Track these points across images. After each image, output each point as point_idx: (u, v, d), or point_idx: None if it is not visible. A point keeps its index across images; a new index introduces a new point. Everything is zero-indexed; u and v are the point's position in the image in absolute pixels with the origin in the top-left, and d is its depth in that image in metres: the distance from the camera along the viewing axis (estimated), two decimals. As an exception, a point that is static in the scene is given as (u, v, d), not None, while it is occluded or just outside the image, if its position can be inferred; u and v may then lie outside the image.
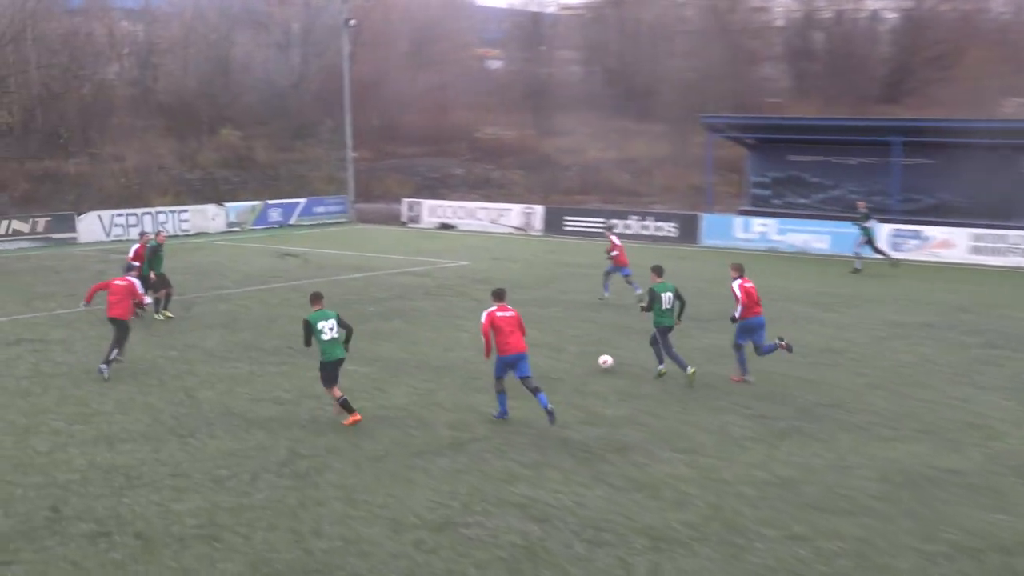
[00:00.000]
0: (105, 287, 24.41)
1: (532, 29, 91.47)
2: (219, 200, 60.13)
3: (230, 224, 57.36)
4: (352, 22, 64.97)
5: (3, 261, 44.68)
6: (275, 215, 59.21)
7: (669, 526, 15.19)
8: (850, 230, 44.20)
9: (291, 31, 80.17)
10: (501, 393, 20.20)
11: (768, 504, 16.04)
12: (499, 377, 19.99)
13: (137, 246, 32.39)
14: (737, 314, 22.93)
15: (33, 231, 50.19)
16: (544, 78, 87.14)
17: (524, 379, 19.76)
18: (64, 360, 25.16)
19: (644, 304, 23.53)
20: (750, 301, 22.96)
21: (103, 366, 23.34)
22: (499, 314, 19.87)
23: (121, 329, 23.79)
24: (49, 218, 51.17)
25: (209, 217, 56.80)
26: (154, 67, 74.38)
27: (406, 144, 76.91)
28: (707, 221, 51.30)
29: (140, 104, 71.07)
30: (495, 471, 17.34)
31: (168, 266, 36.95)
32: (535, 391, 19.73)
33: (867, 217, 41.98)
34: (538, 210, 56.67)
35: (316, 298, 20.25)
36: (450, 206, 60.18)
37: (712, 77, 76.08)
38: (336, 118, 69.36)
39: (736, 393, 22.27)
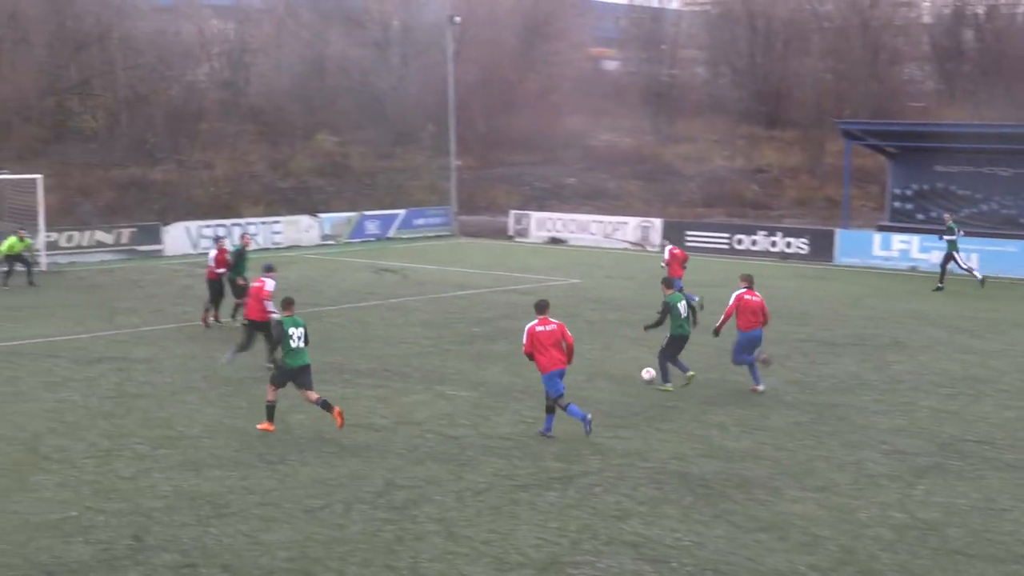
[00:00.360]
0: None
1: (652, 26, 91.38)
2: (313, 211, 60.97)
3: (324, 237, 58.12)
4: (456, 19, 65.52)
5: (86, 274, 45.78)
6: (372, 227, 59.87)
7: (796, 570, 15.12)
8: (1002, 248, 43.50)
9: (390, 29, 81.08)
10: (553, 413, 21.07)
11: (907, 548, 15.89)
12: (558, 394, 20.76)
13: (215, 252, 33.44)
14: (718, 324, 25.06)
15: (117, 242, 51.29)
16: (665, 80, 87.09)
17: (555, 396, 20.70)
18: (148, 380, 25.72)
19: (652, 323, 25.12)
20: (749, 314, 24.63)
21: (266, 365, 25.99)
22: (539, 328, 20.78)
23: (262, 330, 26.35)
24: (134, 229, 52.29)
25: (302, 229, 57.62)
26: (245, 68, 75.69)
27: (514, 151, 77.27)
28: (842, 237, 50.82)
29: (230, 108, 72.34)
30: (606, 507, 17.39)
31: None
32: (564, 406, 20.75)
33: (952, 231, 41.57)
34: (656, 224, 56.60)
35: (288, 303, 21.86)
36: (560, 219, 60.33)
37: (850, 79, 75.45)
38: (439, 123, 69.99)
39: (872, 427, 22.09)
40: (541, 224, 60.43)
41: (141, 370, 26.87)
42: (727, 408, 23.41)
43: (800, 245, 51.70)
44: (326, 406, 21.22)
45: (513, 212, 62.56)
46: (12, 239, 42.62)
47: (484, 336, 31.45)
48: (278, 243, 56.18)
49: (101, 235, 50.95)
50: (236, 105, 73.15)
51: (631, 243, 56.61)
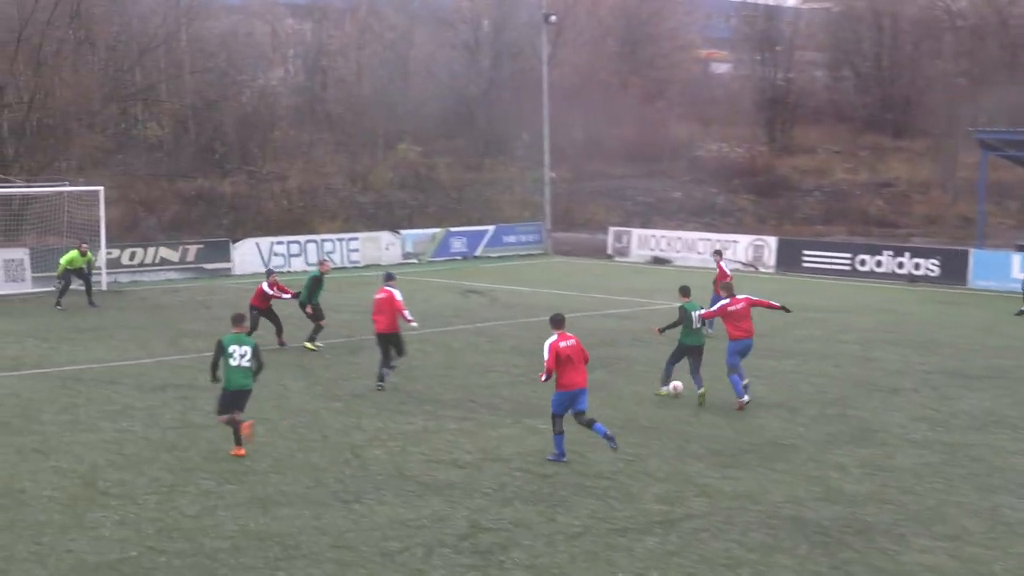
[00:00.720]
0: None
1: (766, 26, 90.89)
2: (394, 227, 61.34)
3: (406, 255, 58.44)
4: (552, 18, 65.69)
5: (149, 293, 46.39)
6: (458, 245, 60.11)
7: (924, 628, 14.91)
8: None
9: (481, 29, 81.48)
10: (560, 434, 21.80)
11: (1048, 605, 15.62)
12: (560, 415, 21.70)
13: (266, 285, 34.15)
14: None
15: (183, 260, 51.94)
16: (781, 84, 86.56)
17: (579, 414, 21.59)
18: (215, 410, 25.94)
19: (666, 324, 27.63)
20: (737, 321, 26.69)
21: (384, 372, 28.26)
22: (563, 344, 21.68)
23: (393, 343, 28.40)
24: (201, 245, 52.90)
25: (382, 246, 57.97)
26: (323, 72, 76.40)
27: (614, 162, 77.25)
28: (977, 258, 50.20)
29: (306, 115, 73.05)
30: (713, 554, 17.26)
31: (334, 302, 37.73)
32: (590, 424, 21.62)
33: None
34: (771, 242, 56.26)
35: (237, 320, 22.85)
36: (664, 236, 60.18)
37: (987, 82, 74.49)
38: (532, 131, 70.12)
39: (1010, 469, 21.74)
40: (643, 242, 60.31)
41: (207, 399, 27.07)
42: (847, 447, 23.17)
43: (930, 267, 51.13)
44: (232, 423, 22.14)
45: (612, 229, 62.50)
46: (74, 252, 43.30)
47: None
48: (356, 262, 56.55)
49: (165, 252, 51.60)
50: (312, 112, 73.86)
51: (742, 263, 56.27)
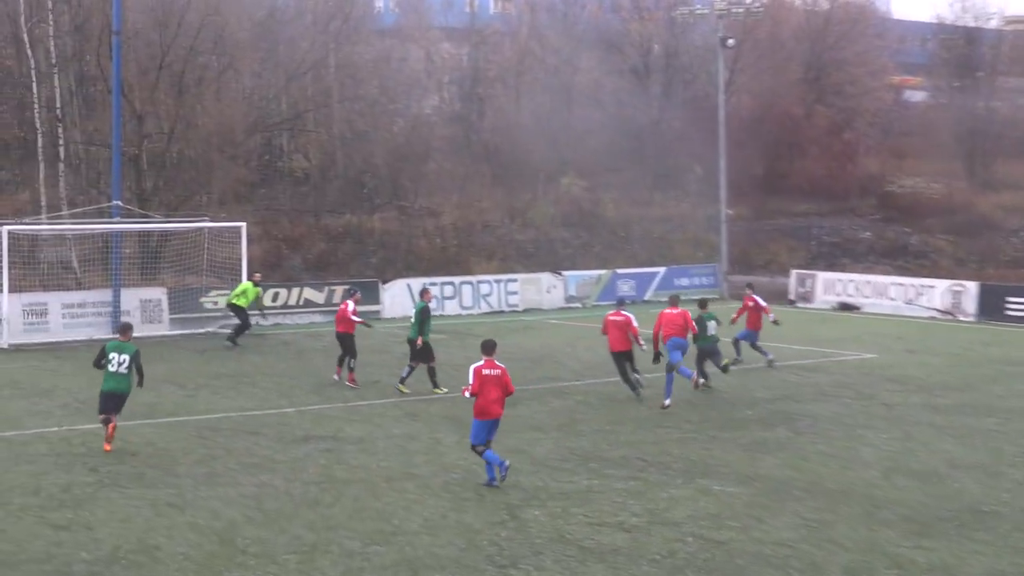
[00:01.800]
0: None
1: (967, 50, 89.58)
2: (556, 267, 61.40)
3: (569, 298, 58.47)
4: (730, 42, 65.50)
5: (292, 338, 46.94)
6: (626, 288, 59.95)
7: None
8: None
9: (651, 54, 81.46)
10: (487, 458, 24.26)
11: None
12: (479, 445, 24.22)
13: (343, 306, 36.29)
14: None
15: (329, 302, 52.46)
16: (982, 114, 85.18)
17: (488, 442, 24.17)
18: (361, 463, 26.10)
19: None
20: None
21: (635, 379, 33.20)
22: (486, 371, 24.10)
23: (628, 359, 33.26)
24: (348, 286, 53.35)
25: (543, 289, 58.07)
26: (480, 100, 76.87)
27: (797, 199, 76.65)
28: None
29: (462, 146, 73.54)
30: (907, 633, 16.93)
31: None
32: (482, 452, 24.21)
33: None
34: (971, 288, 55.32)
35: (125, 329, 27.56)
36: (852, 280, 59.50)
37: None
38: (707, 164, 69.91)
39: None
40: (829, 286, 59.68)
41: (352, 452, 27.31)
42: (1059, 516, 22.60)
43: None
44: (107, 423, 26.84)
45: (795, 272, 61.96)
46: (247, 284, 44.31)
47: (758, 420, 31.10)
48: (514, 305, 56.70)
49: (310, 293, 52.21)
50: (468, 143, 74.34)
51: (939, 311, 55.40)
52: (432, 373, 34.68)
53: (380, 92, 71.45)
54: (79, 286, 49.56)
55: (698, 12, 68.56)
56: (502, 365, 24.51)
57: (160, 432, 29.17)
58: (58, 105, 55.86)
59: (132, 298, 47.81)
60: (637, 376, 33.97)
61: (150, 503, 22.64)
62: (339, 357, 36.78)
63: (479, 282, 56.60)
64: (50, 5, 55.42)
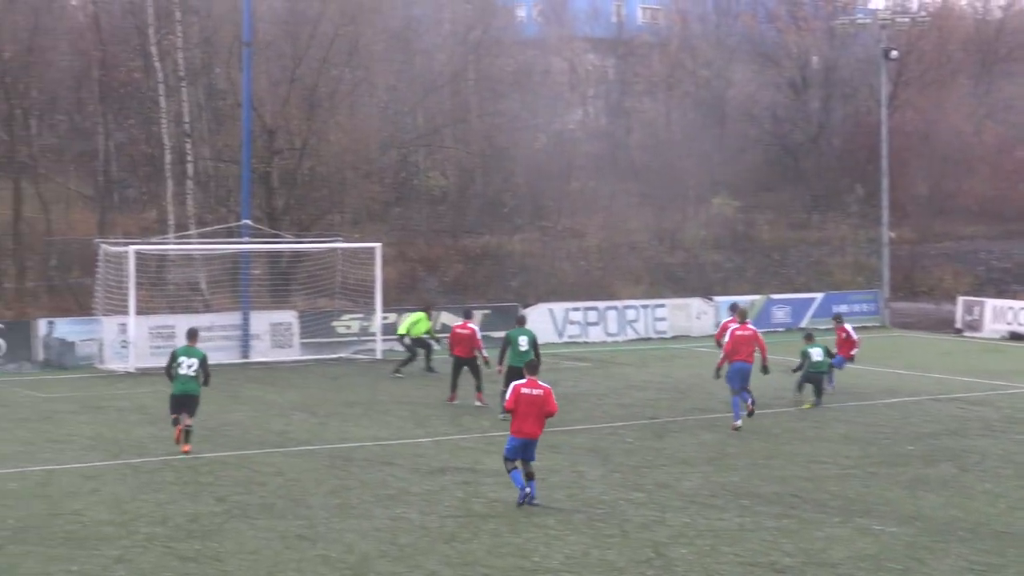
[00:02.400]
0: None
1: None
2: (707, 292, 61.23)
3: (719, 325, 58.23)
4: (894, 54, 64.91)
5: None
6: (780, 314, 59.68)
7: None
8: None
9: (809, 67, 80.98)
10: (513, 471, 25.36)
11: None
12: (510, 460, 25.34)
13: (468, 329, 37.30)
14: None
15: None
16: None
17: (524, 462, 25.20)
18: (500, 497, 26.23)
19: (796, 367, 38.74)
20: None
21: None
22: (525, 390, 25.22)
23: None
24: (487, 310, 53.67)
25: (693, 315, 57.94)
26: (627, 114, 76.90)
27: (965, 221, 75.80)
28: None
29: (607, 163, 73.52)
30: None
31: (636, 379, 38.08)
32: (528, 476, 25.20)
33: None
34: None
35: (192, 335, 30.85)
36: (1025, 308, 58.74)
37: None
38: (868, 184, 69.36)
39: None
40: (999, 314, 58.93)
41: (491, 484, 27.46)
42: None
43: None
44: (176, 424, 29.91)
45: (962, 299, 61.24)
46: (420, 315, 45.02)
47: (921, 456, 30.84)
48: (661, 332, 56.65)
49: (448, 318, 52.45)
50: (614, 159, 74.32)
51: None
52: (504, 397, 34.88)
53: (521, 106, 71.70)
54: (207, 308, 50.36)
55: (860, 22, 68.11)
56: (546, 386, 25.54)
57: (290, 461, 29.57)
58: (186, 120, 56.70)
59: (262, 321, 48.53)
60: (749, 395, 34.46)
61: (279, 535, 22.96)
62: (476, 384, 37.32)
63: (625, 307, 56.60)
64: (179, 17, 56.32)
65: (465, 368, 37.87)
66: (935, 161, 76.84)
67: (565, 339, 53.29)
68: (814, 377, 38.50)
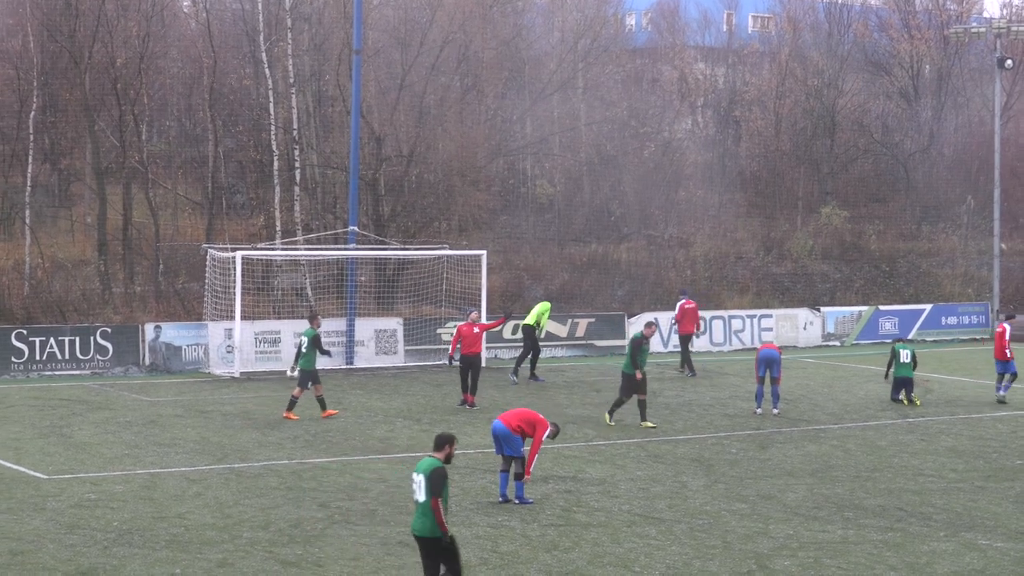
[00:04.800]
0: None
1: None
2: (814, 303, 60.96)
3: (827, 336, 57.99)
4: (1008, 63, 64.17)
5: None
6: (888, 326, 59.26)
7: None
8: None
9: (921, 76, 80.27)
10: (503, 472, 26.47)
11: None
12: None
13: (463, 324, 39.03)
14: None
15: (571, 335, 52.91)
16: None
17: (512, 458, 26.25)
18: (601, 506, 26.26)
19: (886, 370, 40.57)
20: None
21: None
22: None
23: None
24: (592, 319, 53.73)
25: (799, 325, 57.71)
26: (736, 123, 76.62)
27: (1079, 232, 74.81)
28: None
29: (716, 172, 73.35)
30: None
31: (741, 389, 38.25)
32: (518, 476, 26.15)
33: None
34: None
35: (312, 317, 37.71)
36: None
37: None
38: (979, 195, 68.69)
39: None
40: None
41: (593, 494, 27.49)
42: None
43: None
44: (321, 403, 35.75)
45: (1078, 312, 60.45)
46: (547, 305, 46.22)
47: (1031, 472, 30.55)
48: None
49: (553, 326, 52.51)
50: (723, 169, 74.12)
51: None
52: (643, 406, 35.62)
53: (630, 114, 71.64)
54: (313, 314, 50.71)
55: (974, 31, 67.36)
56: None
57: (393, 468, 29.71)
58: (295, 126, 57.07)
59: (367, 328, 48.80)
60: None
61: (381, 541, 23.09)
62: (473, 383, 39.04)
63: (731, 317, 56.41)
64: (289, 24, 56.72)
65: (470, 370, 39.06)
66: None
67: (670, 348, 53.07)
68: (899, 381, 40.21)
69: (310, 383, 36.41)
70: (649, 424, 35.46)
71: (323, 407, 36.45)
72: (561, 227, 67.06)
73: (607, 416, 36.03)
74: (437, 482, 18.48)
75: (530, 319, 45.60)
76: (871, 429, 36.02)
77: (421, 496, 18.58)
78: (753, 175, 74.73)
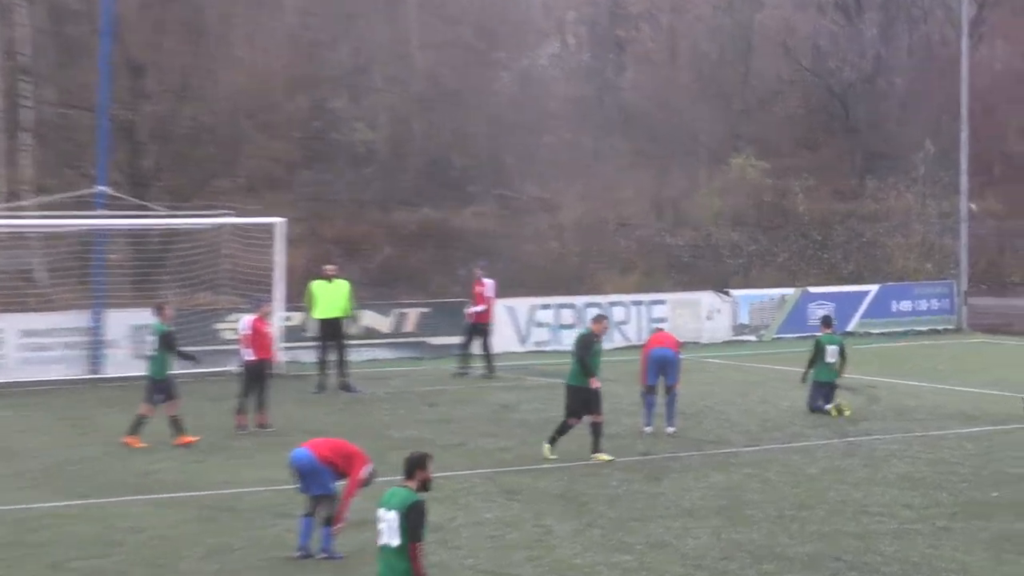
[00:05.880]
0: None
1: None
2: (722, 285, 61.15)
3: (739, 328, 58.27)
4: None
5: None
6: (821, 314, 59.42)
7: None
8: None
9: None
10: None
11: None
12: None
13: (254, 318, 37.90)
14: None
15: (397, 330, 52.71)
16: None
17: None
18: (439, 560, 26.02)
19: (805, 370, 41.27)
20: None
21: None
22: None
23: None
24: (426, 308, 53.41)
25: (702, 314, 57.95)
26: (619, 47, 76.87)
27: (1070, 189, 75.99)
28: None
29: (592, 112, 73.49)
30: None
31: (625, 400, 38.27)
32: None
33: None
34: None
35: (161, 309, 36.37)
36: None
37: None
38: (942, 140, 69.29)
39: None
40: (1115, 315, 59.02)
41: (427, 543, 26.99)
42: None
43: None
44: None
45: (1066, 294, 61.36)
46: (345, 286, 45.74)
47: (1009, 505, 30.67)
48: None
49: (373, 318, 52.21)
50: (601, 107, 74.36)
51: None
52: (597, 432, 34.95)
53: (478, 35, 71.55)
54: (46, 305, 49.94)
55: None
56: None
57: (156, 513, 29.40)
58: (24, 51, 56.27)
59: (120, 323, 48.14)
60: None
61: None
62: (248, 399, 38.57)
63: (611, 304, 56.39)
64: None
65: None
66: (1031, 109, 77.12)
67: (530, 347, 53.15)
68: (820, 386, 41.34)
69: (163, 397, 35.80)
70: (604, 457, 34.71)
71: (178, 432, 35.80)
72: (385, 186, 66.75)
73: (546, 448, 35.10)
74: (416, 521, 18.71)
75: (334, 306, 45.12)
76: (798, 452, 36.11)
77: (394, 540, 18.75)
78: (642, 115, 75.10)
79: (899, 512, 30.07)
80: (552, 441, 34.96)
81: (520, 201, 67.58)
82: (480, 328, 48.70)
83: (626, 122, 74.19)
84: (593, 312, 54.02)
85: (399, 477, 28.61)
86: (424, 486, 19.03)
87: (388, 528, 18.63)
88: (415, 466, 19.10)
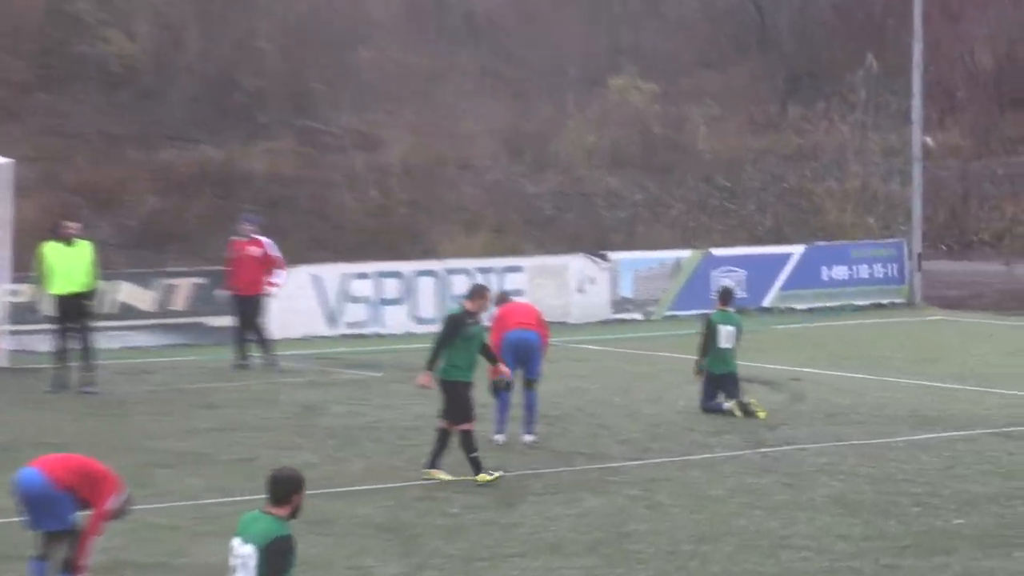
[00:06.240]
0: None
1: None
2: (597, 247, 61.24)
3: (620, 303, 58.44)
4: None
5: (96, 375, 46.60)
6: (727, 283, 59.81)
7: None
8: None
9: None
10: None
11: None
12: None
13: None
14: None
15: (163, 308, 52.44)
16: None
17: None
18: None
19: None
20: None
21: None
22: None
23: None
24: (202, 280, 53.17)
25: (570, 285, 57.99)
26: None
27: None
28: None
29: (426, 18, 73.60)
30: None
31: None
32: None
33: None
34: None
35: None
36: None
37: None
38: (888, 55, 69.83)
39: None
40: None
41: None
42: None
43: None
44: None
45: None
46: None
47: (973, 535, 30.79)
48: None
49: (131, 291, 52.00)
50: (439, 13, 74.48)
51: None
52: (466, 444, 34.16)
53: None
54: None
55: None
56: None
57: None
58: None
59: None
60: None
61: None
62: None
63: (449, 272, 56.33)
64: None
65: None
66: (1005, 15, 77.69)
67: (341, 329, 53.17)
68: (717, 379, 41.75)
69: None
70: (442, 475, 34.38)
71: None
72: (148, 116, 66.53)
73: (435, 470, 34.78)
74: (279, 561, 18.43)
75: (75, 277, 44.83)
76: (697, 466, 36.25)
77: None
78: (491, 22, 75.19)
79: (831, 545, 30.16)
80: (435, 458, 34.57)
81: (329, 135, 67.61)
82: (254, 302, 48.39)
83: (471, 32, 74.43)
84: (427, 285, 54.52)
85: (182, 503, 28.71)
86: (294, 513, 18.65)
87: (243, 567, 18.31)
88: (291, 489, 18.69)
